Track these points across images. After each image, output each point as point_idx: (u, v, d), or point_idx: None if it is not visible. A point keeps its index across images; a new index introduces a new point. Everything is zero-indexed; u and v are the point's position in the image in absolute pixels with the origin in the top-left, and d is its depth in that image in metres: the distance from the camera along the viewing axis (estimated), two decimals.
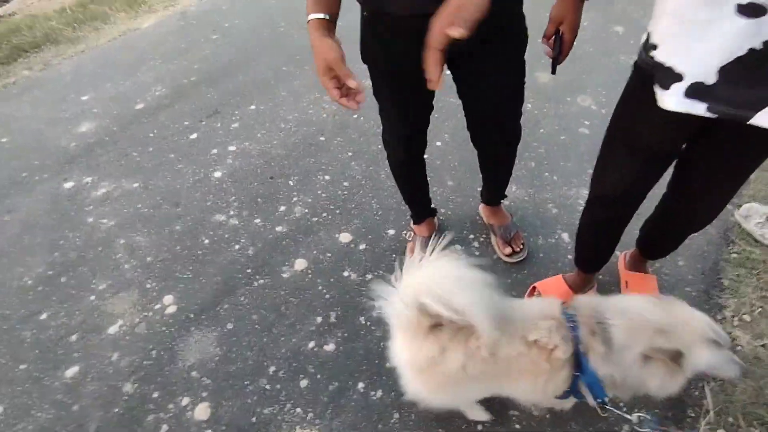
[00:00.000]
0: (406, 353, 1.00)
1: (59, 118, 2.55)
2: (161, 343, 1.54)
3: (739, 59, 0.76)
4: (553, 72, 1.18)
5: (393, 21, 1.05)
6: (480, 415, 1.28)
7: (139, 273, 1.76)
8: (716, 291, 1.56)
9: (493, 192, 1.66)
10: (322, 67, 0.96)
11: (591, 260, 1.48)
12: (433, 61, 0.83)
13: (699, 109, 0.84)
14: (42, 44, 3.27)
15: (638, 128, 1.02)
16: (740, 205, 1.75)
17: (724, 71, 0.78)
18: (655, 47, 0.86)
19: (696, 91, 0.83)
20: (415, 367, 1.00)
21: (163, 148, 2.29)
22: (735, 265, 1.62)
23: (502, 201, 1.71)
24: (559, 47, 1.14)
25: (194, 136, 2.35)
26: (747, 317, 1.48)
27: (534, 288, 1.54)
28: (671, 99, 0.86)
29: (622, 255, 1.59)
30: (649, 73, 0.90)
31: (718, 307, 1.52)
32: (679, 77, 0.83)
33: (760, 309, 1.49)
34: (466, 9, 0.79)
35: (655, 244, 1.45)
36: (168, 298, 1.67)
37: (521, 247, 1.66)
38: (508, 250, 1.64)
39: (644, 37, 0.92)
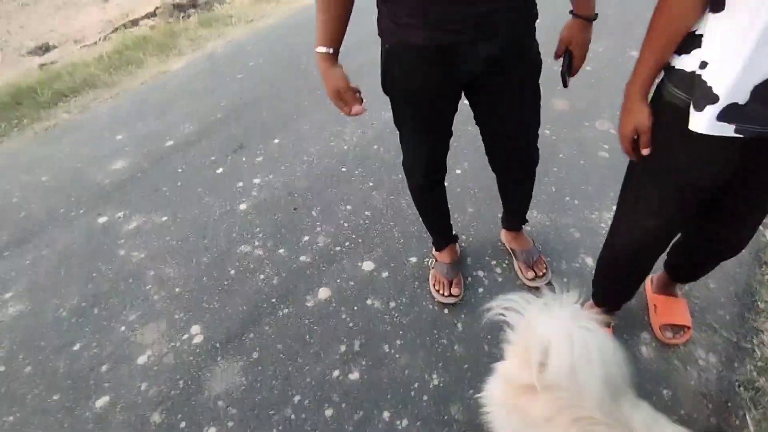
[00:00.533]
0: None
1: (95, 156, 2.69)
2: (188, 373, 1.57)
3: None
4: (565, 85, 1.24)
5: (416, 52, 1.11)
6: None
7: (168, 303, 1.80)
8: (751, 314, 1.52)
9: (514, 217, 1.67)
10: (333, 93, 1.19)
11: (619, 300, 1.45)
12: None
13: (727, 130, 0.84)
14: (81, 89, 3.47)
15: (679, 167, 0.99)
16: None
17: (757, 90, 0.78)
18: (705, 65, 0.84)
19: (728, 113, 0.82)
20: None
21: (191, 183, 2.38)
22: None
23: (523, 226, 1.71)
24: (569, 62, 1.21)
25: (220, 170, 2.43)
26: None
27: None
28: (702, 122, 0.85)
29: (648, 278, 1.56)
30: (683, 105, 0.89)
31: (754, 331, 1.47)
32: (715, 99, 0.82)
33: None
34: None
35: (685, 271, 1.42)
36: (195, 328, 1.70)
37: (544, 271, 1.64)
38: (531, 274, 1.63)
39: (677, 66, 0.90)
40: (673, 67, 0.91)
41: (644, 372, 1.40)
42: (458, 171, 2.16)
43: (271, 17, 4.33)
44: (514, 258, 1.72)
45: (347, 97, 1.19)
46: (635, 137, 0.99)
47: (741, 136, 0.84)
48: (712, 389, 1.36)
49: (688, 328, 1.46)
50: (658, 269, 1.51)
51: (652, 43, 0.91)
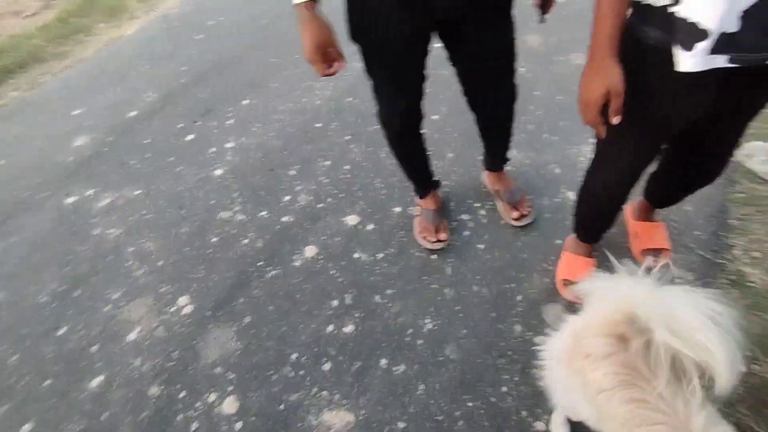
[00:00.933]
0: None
1: (54, 134, 2.55)
2: (182, 344, 1.55)
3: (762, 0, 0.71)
4: (541, 21, 1.19)
5: None
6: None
7: (152, 278, 1.77)
8: (724, 231, 1.56)
9: (496, 157, 1.65)
10: (313, 47, 1.02)
11: (600, 231, 1.45)
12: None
13: (719, 62, 0.79)
14: (28, 64, 3.25)
15: (658, 112, 0.95)
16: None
17: (747, 16, 0.73)
18: (677, 1, 0.78)
19: (720, 45, 0.77)
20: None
21: (161, 153, 2.28)
22: (741, 204, 1.62)
23: (504, 166, 1.70)
24: None
25: (190, 137, 2.34)
26: (757, 254, 1.48)
27: (564, 282, 1.47)
28: (694, 60, 0.79)
29: (628, 205, 1.58)
30: (662, 45, 0.83)
31: (726, 247, 1.52)
32: (703, 35, 0.76)
33: None
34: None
35: (662, 198, 1.45)
36: (183, 299, 1.68)
37: (528, 210, 1.65)
38: (516, 214, 1.64)
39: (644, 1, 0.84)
40: (646, 5, 0.84)
41: None
42: (435, 117, 2.11)
43: None
44: (497, 199, 1.72)
45: (333, 53, 1.06)
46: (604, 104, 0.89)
47: (738, 65, 0.79)
48: None
49: (668, 250, 1.50)
50: (635, 196, 1.53)
51: None
